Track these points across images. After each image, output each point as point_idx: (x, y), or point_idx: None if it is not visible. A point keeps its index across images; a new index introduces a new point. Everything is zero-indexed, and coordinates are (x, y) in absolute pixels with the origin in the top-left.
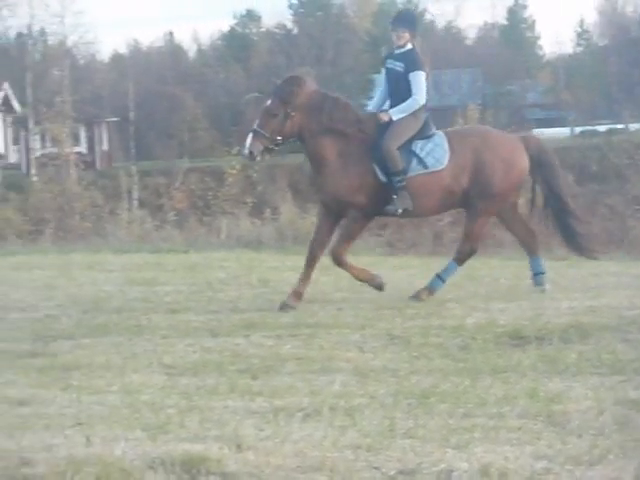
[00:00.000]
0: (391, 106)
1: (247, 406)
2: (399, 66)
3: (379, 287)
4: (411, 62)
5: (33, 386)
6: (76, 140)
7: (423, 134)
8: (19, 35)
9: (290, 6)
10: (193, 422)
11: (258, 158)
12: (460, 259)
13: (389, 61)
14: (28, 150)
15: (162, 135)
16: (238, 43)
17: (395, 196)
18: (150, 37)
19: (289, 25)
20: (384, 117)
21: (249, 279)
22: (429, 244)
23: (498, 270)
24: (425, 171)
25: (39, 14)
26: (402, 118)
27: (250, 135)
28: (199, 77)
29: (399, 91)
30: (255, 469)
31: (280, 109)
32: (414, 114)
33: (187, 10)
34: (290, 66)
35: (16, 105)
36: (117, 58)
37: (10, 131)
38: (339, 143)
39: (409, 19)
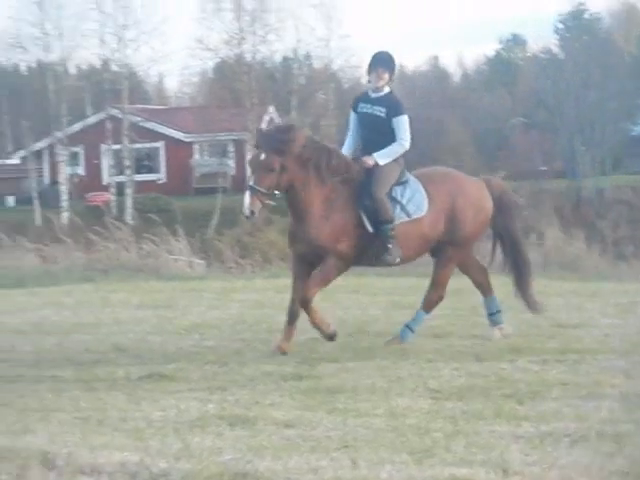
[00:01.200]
0: (364, 152)
1: (513, 431)
2: (379, 111)
3: (330, 337)
4: (394, 106)
5: (299, 408)
6: None
7: (399, 179)
8: (285, 59)
9: (556, 31)
10: (459, 446)
11: (257, 215)
12: (429, 307)
13: (363, 105)
14: None
15: (427, 159)
16: (503, 67)
17: (390, 245)
18: (415, 61)
19: (555, 49)
20: (370, 162)
21: (515, 304)
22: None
23: None
24: (407, 219)
25: (305, 38)
26: (387, 164)
27: (247, 193)
28: (464, 101)
29: (377, 136)
30: None
31: (276, 163)
32: (396, 159)
33: (452, 34)
34: (556, 91)
35: None
36: None
37: None
38: (325, 190)
39: (388, 59)
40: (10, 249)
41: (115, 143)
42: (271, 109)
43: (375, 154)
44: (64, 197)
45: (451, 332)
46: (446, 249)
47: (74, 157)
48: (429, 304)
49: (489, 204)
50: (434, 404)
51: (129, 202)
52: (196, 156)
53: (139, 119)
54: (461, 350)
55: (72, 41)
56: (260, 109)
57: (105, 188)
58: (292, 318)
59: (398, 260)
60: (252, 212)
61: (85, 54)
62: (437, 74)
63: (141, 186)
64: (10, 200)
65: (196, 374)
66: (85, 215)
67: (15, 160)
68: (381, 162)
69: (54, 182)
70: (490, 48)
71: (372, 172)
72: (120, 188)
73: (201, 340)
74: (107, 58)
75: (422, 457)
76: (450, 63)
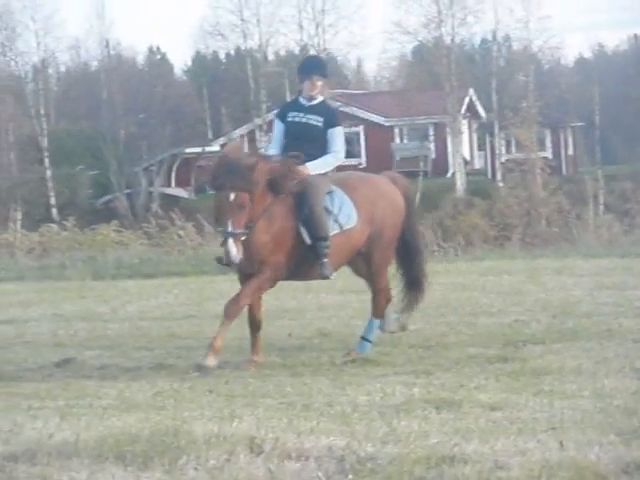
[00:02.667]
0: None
1: None
2: (315, 120)
3: (202, 365)
4: (331, 116)
5: (504, 391)
6: (541, 145)
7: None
8: (483, 41)
9: None
10: None
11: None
12: (379, 313)
13: (294, 114)
14: (494, 156)
15: (627, 139)
16: None
17: (325, 260)
18: (615, 40)
19: None
20: (306, 172)
21: None
22: None
23: None
24: (339, 231)
25: (503, 20)
26: (319, 174)
27: (230, 241)
28: None
29: (309, 147)
30: None
31: (247, 199)
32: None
33: None
34: None
35: (481, 111)
36: (582, 62)
37: (475, 137)
38: (267, 203)
39: (321, 65)
40: (214, 236)
41: None
42: (471, 91)
43: (308, 164)
44: None
45: None
46: (374, 255)
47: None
48: (379, 310)
49: (402, 203)
50: None
51: None
52: (396, 140)
53: (338, 104)
54: None
55: (270, 27)
56: (460, 92)
57: None
58: (253, 328)
59: (334, 275)
60: (240, 259)
61: (284, 40)
62: (637, 53)
63: (341, 170)
64: None
65: (401, 358)
66: None
67: (215, 147)
68: (313, 173)
69: None
70: None
71: (306, 183)
72: None
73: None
74: (305, 43)
75: (630, 438)
76: None
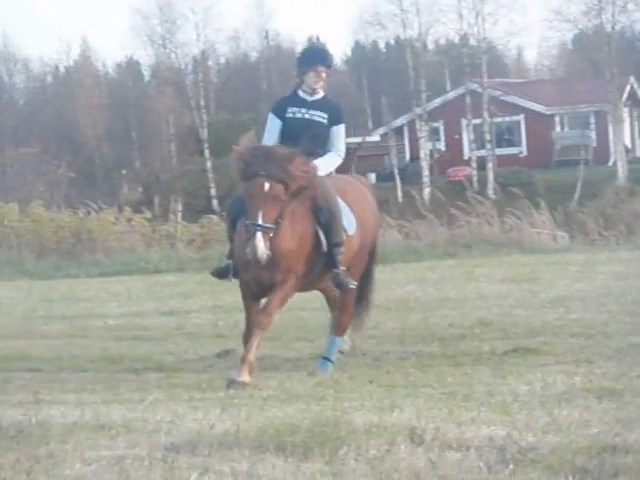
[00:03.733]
0: None
1: None
2: (320, 116)
3: (234, 380)
4: (337, 113)
5: None
6: None
7: None
8: None
9: None
10: None
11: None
12: (341, 331)
13: (294, 110)
14: None
15: None
16: None
17: (340, 268)
18: None
19: None
20: (320, 171)
21: None
22: None
23: None
24: (345, 238)
25: None
26: (325, 175)
27: (259, 235)
28: None
29: (311, 145)
30: None
31: (281, 192)
32: None
33: None
34: None
35: None
36: None
37: (637, 125)
38: (289, 204)
39: (327, 55)
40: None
41: (475, 117)
42: (632, 79)
43: (317, 162)
44: (425, 173)
45: None
46: (350, 266)
47: (434, 132)
48: (341, 328)
49: (376, 207)
50: None
51: (490, 176)
52: (557, 129)
53: (499, 93)
54: None
55: (430, 17)
56: (621, 80)
57: (466, 163)
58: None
59: (353, 285)
60: (268, 255)
61: (443, 29)
62: None
63: (502, 160)
64: (372, 177)
65: (562, 347)
66: (446, 190)
67: (375, 137)
68: (322, 173)
69: (415, 158)
70: None
71: (321, 184)
72: (481, 162)
73: (566, 313)
74: (465, 32)
75: None
76: None
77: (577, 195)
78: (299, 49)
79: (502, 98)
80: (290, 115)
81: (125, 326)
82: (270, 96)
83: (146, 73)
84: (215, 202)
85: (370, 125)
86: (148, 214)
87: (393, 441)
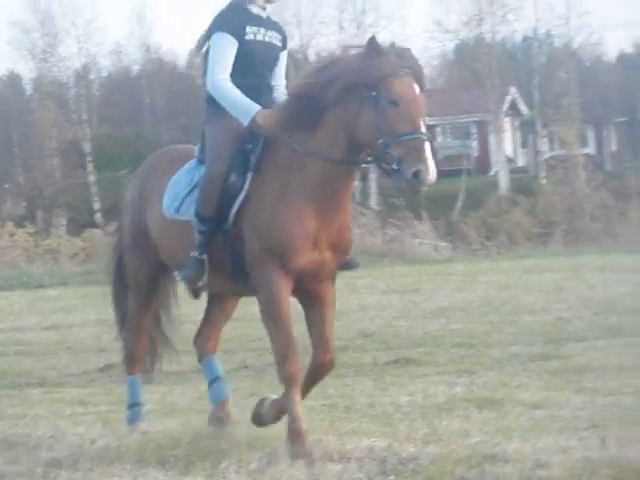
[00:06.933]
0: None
1: None
2: (276, 38)
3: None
4: (285, 34)
5: (546, 389)
6: (584, 142)
7: None
8: (525, 39)
9: None
10: None
11: None
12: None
13: (253, 29)
14: (536, 153)
15: None
16: None
17: None
18: None
19: None
20: None
21: None
22: None
23: None
24: None
25: (544, 17)
26: None
27: (428, 146)
28: None
29: (270, 78)
30: None
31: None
32: None
33: None
34: None
35: (523, 108)
36: (624, 58)
37: (518, 134)
38: None
39: None
40: None
41: None
42: (512, 89)
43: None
44: None
45: None
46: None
47: None
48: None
49: None
50: None
51: (373, 187)
52: (439, 139)
53: None
54: None
55: (311, 29)
56: (501, 90)
57: None
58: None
59: None
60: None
61: (324, 41)
62: None
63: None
64: None
65: (443, 357)
66: None
67: None
68: None
69: None
70: None
71: None
72: (364, 173)
73: (447, 323)
74: (347, 44)
75: None
76: None
77: (459, 205)
78: (181, 63)
79: None
80: (251, 37)
81: (7, 341)
82: (153, 110)
83: (28, 87)
84: (99, 215)
85: None
86: (31, 228)
87: (274, 453)
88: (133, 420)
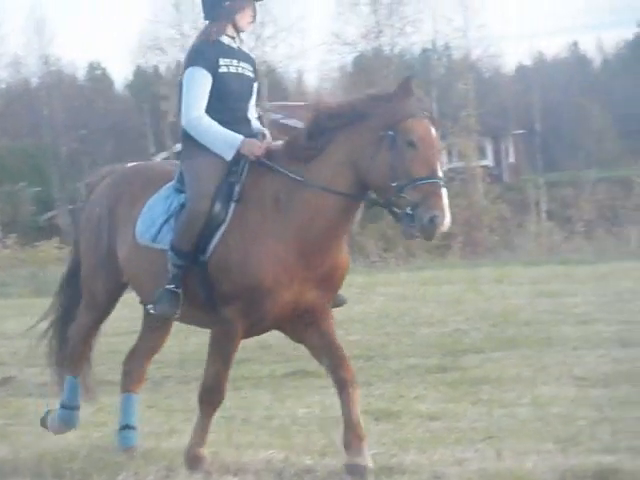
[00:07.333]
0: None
1: None
2: (249, 70)
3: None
4: (255, 64)
5: (443, 400)
6: (482, 154)
7: None
8: (423, 51)
9: None
10: (604, 434)
11: None
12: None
13: (227, 61)
14: None
15: (568, 146)
16: None
17: None
18: (554, 48)
19: None
20: None
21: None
22: None
23: None
24: None
25: (442, 29)
26: None
27: (445, 193)
28: (605, 86)
29: (246, 111)
30: None
31: None
32: None
33: (591, 19)
34: None
35: None
36: (522, 70)
37: None
38: None
39: None
40: None
41: None
42: None
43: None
44: None
45: (596, 318)
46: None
47: None
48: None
49: None
50: (579, 392)
51: None
52: None
53: (280, 116)
54: (607, 337)
55: None
56: None
57: None
58: None
59: None
60: None
61: None
62: (577, 60)
63: None
64: None
65: None
66: None
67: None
68: None
69: None
70: (629, 31)
71: None
72: None
73: (345, 335)
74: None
75: (567, 446)
76: (590, 48)
77: (358, 217)
78: (80, 75)
79: (283, 121)
80: (224, 70)
81: None
82: (52, 122)
83: None
84: None
85: (153, 149)
86: None
87: (171, 466)
88: (67, 421)
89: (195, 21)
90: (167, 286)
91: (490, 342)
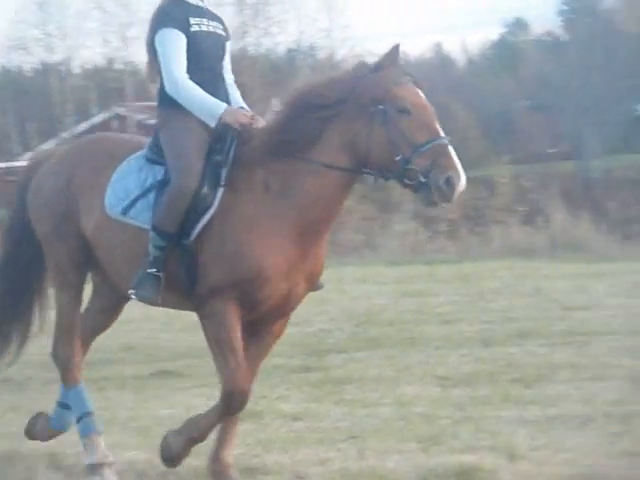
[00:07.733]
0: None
1: (520, 415)
2: (219, 28)
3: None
4: (225, 24)
5: (306, 400)
6: None
7: None
8: (289, 51)
9: (560, 13)
10: (466, 433)
11: None
12: None
13: (197, 20)
14: None
15: None
16: (507, 52)
17: None
18: (418, 48)
19: (558, 32)
20: None
21: (522, 288)
22: None
23: None
24: None
25: (307, 29)
26: None
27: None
28: (469, 87)
29: (218, 69)
30: (528, 479)
31: None
32: None
33: (455, 20)
34: (561, 73)
35: None
36: None
37: None
38: None
39: None
40: None
41: None
42: (274, 101)
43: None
44: None
45: (460, 318)
46: None
47: None
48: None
49: None
50: (442, 391)
51: None
52: None
53: (145, 116)
54: (469, 336)
55: (75, 41)
56: (265, 102)
57: None
58: None
59: None
60: None
61: (89, 53)
62: (441, 60)
63: None
64: None
65: (205, 370)
66: None
67: (23, 162)
68: None
69: None
70: (494, 32)
71: None
72: None
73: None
74: (111, 57)
75: (429, 445)
76: (454, 49)
77: None
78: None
79: (148, 122)
80: (196, 28)
81: None
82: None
83: None
84: None
85: (17, 150)
86: None
87: (33, 467)
88: (87, 431)
89: (60, 21)
90: (148, 270)
91: (354, 342)
